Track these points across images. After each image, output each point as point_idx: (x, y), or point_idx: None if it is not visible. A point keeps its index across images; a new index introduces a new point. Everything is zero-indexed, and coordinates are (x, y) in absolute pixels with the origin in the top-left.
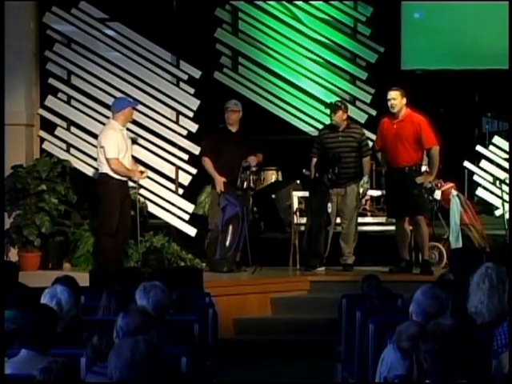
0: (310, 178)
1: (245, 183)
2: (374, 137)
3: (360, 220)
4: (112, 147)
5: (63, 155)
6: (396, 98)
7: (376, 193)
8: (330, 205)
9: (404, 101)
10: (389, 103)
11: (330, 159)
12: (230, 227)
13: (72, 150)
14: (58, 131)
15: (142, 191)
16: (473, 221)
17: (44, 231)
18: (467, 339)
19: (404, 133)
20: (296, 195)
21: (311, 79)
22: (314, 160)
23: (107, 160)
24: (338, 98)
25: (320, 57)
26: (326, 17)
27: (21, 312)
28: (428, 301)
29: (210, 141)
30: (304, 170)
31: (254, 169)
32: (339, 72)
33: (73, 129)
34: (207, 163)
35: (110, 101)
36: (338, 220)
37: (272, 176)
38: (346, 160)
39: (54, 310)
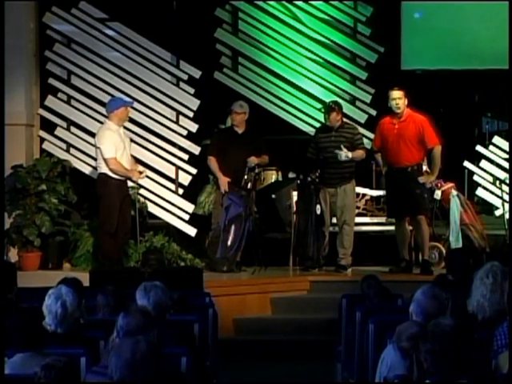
0: (297, 180)
1: (249, 184)
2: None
3: (360, 220)
4: (108, 147)
5: (63, 155)
6: (401, 98)
7: (376, 193)
8: (318, 206)
9: (406, 101)
10: (393, 103)
11: (319, 161)
12: (233, 227)
13: (72, 150)
14: (58, 131)
15: (141, 191)
16: (473, 221)
17: (44, 231)
18: (467, 339)
19: (406, 133)
20: (296, 195)
21: (311, 79)
22: (310, 160)
23: (105, 160)
24: (336, 98)
25: (320, 57)
26: (326, 17)
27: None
28: (428, 301)
29: (216, 141)
30: (290, 173)
31: (257, 170)
32: (339, 72)
33: (73, 129)
34: (212, 163)
35: None
36: (334, 220)
37: (272, 176)
38: (338, 160)
39: (34, 310)
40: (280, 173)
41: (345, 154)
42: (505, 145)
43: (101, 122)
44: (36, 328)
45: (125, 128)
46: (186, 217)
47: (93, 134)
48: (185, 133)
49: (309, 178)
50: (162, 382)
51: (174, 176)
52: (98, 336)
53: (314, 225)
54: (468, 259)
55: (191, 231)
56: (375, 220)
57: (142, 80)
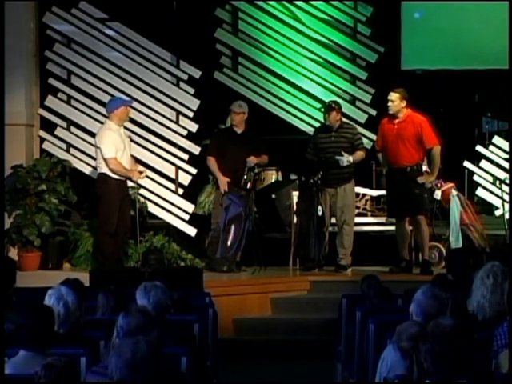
0: (299, 181)
1: (248, 184)
2: (374, 137)
3: (360, 220)
4: (108, 147)
5: (63, 155)
6: (394, 101)
7: (376, 193)
8: (320, 208)
9: (403, 103)
10: (388, 103)
11: (319, 162)
12: (232, 227)
13: (72, 150)
14: (58, 131)
15: (141, 191)
16: (473, 221)
17: (44, 231)
18: (467, 339)
19: (405, 133)
20: (296, 195)
21: (311, 79)
22: (309, 161)
23: (105, 160)
24: (336, 98)
25: (320, 57)
26: (326, 17)
27: (19, 314)
28: (428, 301)
29: (215, 141)
30: (291, 174)
31: (257, 170)
32: (339, 72)
33: (73, 129)
34: (212, 163)
35: None
36: (333, 220)
37: (272, 176)
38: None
39: (51, 310)
40: (280, 173)
41: (346, 159)
42: (505, 145)
43: (101, 122)
44: (46, 328)
45: (125, 128)
46: (186, 217)
47: (93, 134)
48: (185, 133)
49: (311, 180)
50: (162, 382)
51: (174, 176)
52: (97, 336)
53: (316, 226)
54: (468, 259)
55: (191, 231)
56: (375, 220)
57: (142, 80)
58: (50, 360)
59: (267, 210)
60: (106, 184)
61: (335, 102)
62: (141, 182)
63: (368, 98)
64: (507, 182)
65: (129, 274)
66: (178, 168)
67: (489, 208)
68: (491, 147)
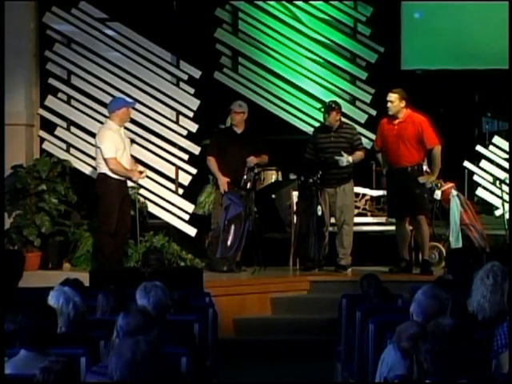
0: (298, 181)
1: (248, 184)
2: (373, 137)
3: (360, 220)
4: (109, 147)
5: (63, 155)
6: (393, 101)
7: (376, 193)
8: (319, 207)
9: (403, 103)
10: (387, 104)
11: (319, 162)
12: (232, 227)
13: (72, 150)
14: (58, 131)
15: (141, 191)
16: (473, 221)
17: (44, 231)
18: (467, 339)
19: (405, 133)
20: (296, 195)
21: (311, 79)
22: (309, 161)
23: (105, 160)
24: (336, 98)
25: (320, 57)
26: (326, 17)
27: (20, 313)
28: (428, 301)
29: (215, 141)
30: (291, 174)
31: (257, 170)
32: (339, 72)
33: (73, 129)
34: (212, 163)
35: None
36: (333, 220)
37: (272, 176)
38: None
39: (52, 310)
40: (280, 173)
41: (346, 159)
42: (505, 145)
43: (101, 122)
44: (48, 327)
45: (125, 128)
46: (186, 217)
47: (93, 134)
48: (185, 133)
49: (310, 180)
50: (162, 382)
51: (174, 176)
52: (98, 336)
53: (316, 226)
54: (468, 259)
55: (191, 231)
56: (375, 220)
57: (142, 80)
58: (47, 363)
59: (267, 210)
60: (106, 184)
61: (335, 102)
62: (141, 181)
63: (368, 98)
64: (507, 181)
65: (129, 274)
66: (178, 168)
67: (489, 208)
68: (491, 147)
